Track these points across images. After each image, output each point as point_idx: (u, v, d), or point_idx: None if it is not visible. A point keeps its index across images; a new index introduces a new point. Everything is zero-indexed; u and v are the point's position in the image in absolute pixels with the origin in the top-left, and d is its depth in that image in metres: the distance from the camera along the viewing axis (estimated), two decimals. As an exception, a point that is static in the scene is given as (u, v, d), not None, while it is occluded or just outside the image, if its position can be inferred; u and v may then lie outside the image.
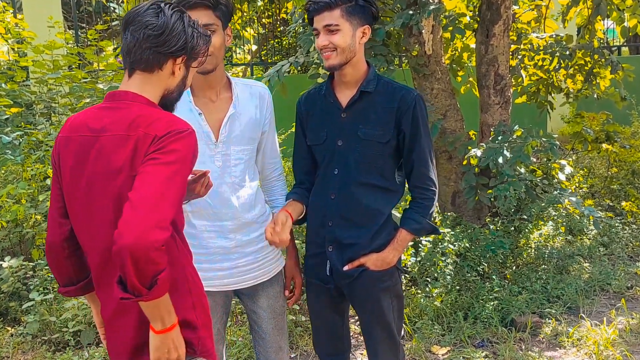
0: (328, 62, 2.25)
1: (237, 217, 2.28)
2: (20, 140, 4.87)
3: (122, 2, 12.34)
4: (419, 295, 4.04)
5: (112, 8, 12.76)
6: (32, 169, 4.58)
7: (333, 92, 2.37)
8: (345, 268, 2.33)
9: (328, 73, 4.33)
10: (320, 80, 4.24)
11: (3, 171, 5.05)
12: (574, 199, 4.26)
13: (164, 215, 1.52)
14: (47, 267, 4.13)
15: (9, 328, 3.90)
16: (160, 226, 1.50)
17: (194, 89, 2.27)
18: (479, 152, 4.21)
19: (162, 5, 1.74)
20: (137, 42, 1.70)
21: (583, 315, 4.08)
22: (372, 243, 2.32)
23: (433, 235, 4.12)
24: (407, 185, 2.45)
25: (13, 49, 7.47)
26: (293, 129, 2.55)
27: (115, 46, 9.41)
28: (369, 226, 2.32)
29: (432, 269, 4.19)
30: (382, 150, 2.30)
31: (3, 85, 6.10)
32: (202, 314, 1.80)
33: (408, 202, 2.43)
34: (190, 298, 1.76)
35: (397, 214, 2.54)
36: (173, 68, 1.75)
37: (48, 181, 4.46)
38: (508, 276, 4.52)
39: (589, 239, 5.27)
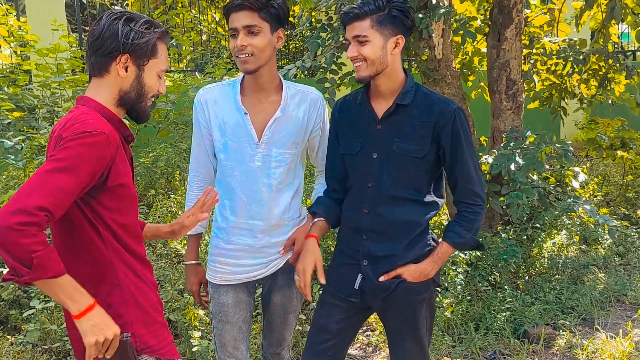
0: (358, 73, 2.22)
1: (269, 218, 2.38)
2: (23, 144, 4.89)
3: (127, 4, 12.43)
4: (429, 306, 4.02)
5: (117, 11, 12.82)
6: (34, 174, 4.59)
7: (369, 101, 2.33)
8: (381, 279, 2.29)
9: (335, 77, 4.36)
10: (327, 85, 4.24)
11: (4, 176, 5.06)
12: (588, 207, 4.22)
13: (31, 202, 1.58)
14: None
15: (9, 337, 3.89)
16: (21, 210, 1.57)
17: (245, 89, 2.36)
18: (490, 159, 4.19)
19: (106, 14, 1.87)
20: (86, 52, 1.88)
21: (598, 327, 4.05)
22: (407, 253, 2.29)
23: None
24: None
25: (16, 52, 7.51)
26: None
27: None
28: (403, 237, 2.29)
29: (443, 278, 4.16)
30: (418, 166, 2.25)
31: (5, 89, 6.14)
32: (138, 311, 1.87)
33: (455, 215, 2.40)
34: (121, 294, 1.84)
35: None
36: (117, 69, 1.84)
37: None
38: (520, 286, 4.49)
39: (604, 249, 5.23)
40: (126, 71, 1.85)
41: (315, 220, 2.44)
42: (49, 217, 1.61)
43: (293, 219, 2.46)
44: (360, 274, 2.34)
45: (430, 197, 2.31)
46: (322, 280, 2.34)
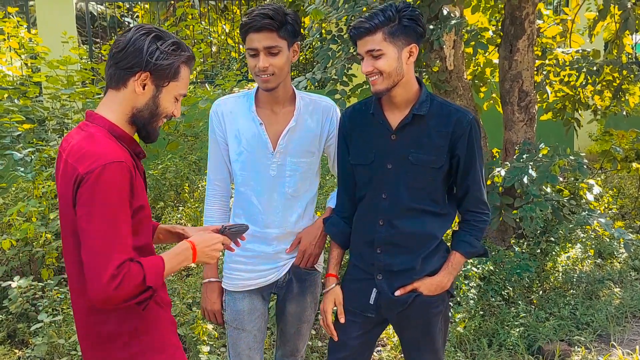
0: (374, 87, 2.19)
1: (283, 226, 2.43)
2: (32, 157, 4.92)
3: (137, 16, 12.53)
4: (441, 321, 3.98)
5: (127, 23, 12.95)
6: (43, 187, 4.61)
7: (382, 111, 2.30)
8: (397, 293, 2.28)
9: (346, 89, 4.35)
10: (337, 96, 4.23)
11: (14, 188, 5.09)
12: (603, 220, 4.18)
13: (112, 265, 1.65)
14: (56, 288, 4.14)
15: (17, 350, 3.89)
16: (111, 277, 1.64)
17: (259, 101, 2.42)
18: (503, 171, 4.17)
19: (135, 27, 1.84)
20: (107, 62, 1.85)
21: (614, 343, 3.99)
22: (424, 267, 2.28)
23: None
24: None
25: (26, 64, 7.58)
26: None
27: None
28: (420, 251, 2.28)
29: (455, 293, 4.13)
30: (434, 176, 2.24)
31: (16, 100, 6.18)
32: (150, 338, 1.87)
33: (457, 224, 2.39)
34: (131, 323, 1.84)
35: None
36: (134, 85, 1.81)
37: (59, 199, 4.48)
38: (534, 301, 4.45)
39: (619, 263, 5.18)
40: (143, 89, 1.82)
41: (333, 254, 2.46)
42: (132, 260, 1.68)
43: (308, 225, 2.50)
44: (375, 289, 2.32)
45: (445, 209, 2.31)
46: (342, 320, 2.37)
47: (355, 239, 2.40)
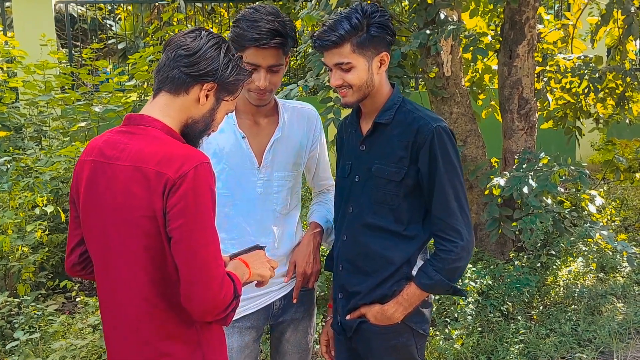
0: (344, 100, 2.15)
1: (276, 247, 2.33)
2: (8, 166, 4.92)
3: (119, 19, 12.55)
4: (438, 338, 4.00)
5: (109, 25, 12.97)
6: (19, 197, 4.61)
7: (358, 119, 2.27)
8: (347, 317, 2.25)
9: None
10: (330, 104, 4.27)
11: (-12, 199, 5.08)
12: (605, 232, 4.23)
13: (220, 271, 1.68)
14: (33, 304, 4.13)
15: (-9, 370, 3.88)
16: (220, 282, 1.67)
17: (239, 112, 2.31)
18: (502, 182, 4.21)
19: (204, 31, 1.81)
20: (167, 61, 1.78)
21: (618, 360, 4.03)
22: (373, 292, 2.18)
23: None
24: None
25: (2, 69, 7.57)
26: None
27: (111, 66, 9.52)
28: (374, 275, 2.18)
29: (452, 308, 4.15)
30: (396, 190, 2.13)
31: (-9, 107, 6.18)
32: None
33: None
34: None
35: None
36: (199, 94, 1.78)
37: (37, 210, 4.49)
38: (535, 317, 4.48)
39: (622, 277, 5.22)
40: (206, 99, 1.79)
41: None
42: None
43: None
44: (338, 309, 2.32)
45: (412, 230, 2.18)
46: (326, 350, 2.48)
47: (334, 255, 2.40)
